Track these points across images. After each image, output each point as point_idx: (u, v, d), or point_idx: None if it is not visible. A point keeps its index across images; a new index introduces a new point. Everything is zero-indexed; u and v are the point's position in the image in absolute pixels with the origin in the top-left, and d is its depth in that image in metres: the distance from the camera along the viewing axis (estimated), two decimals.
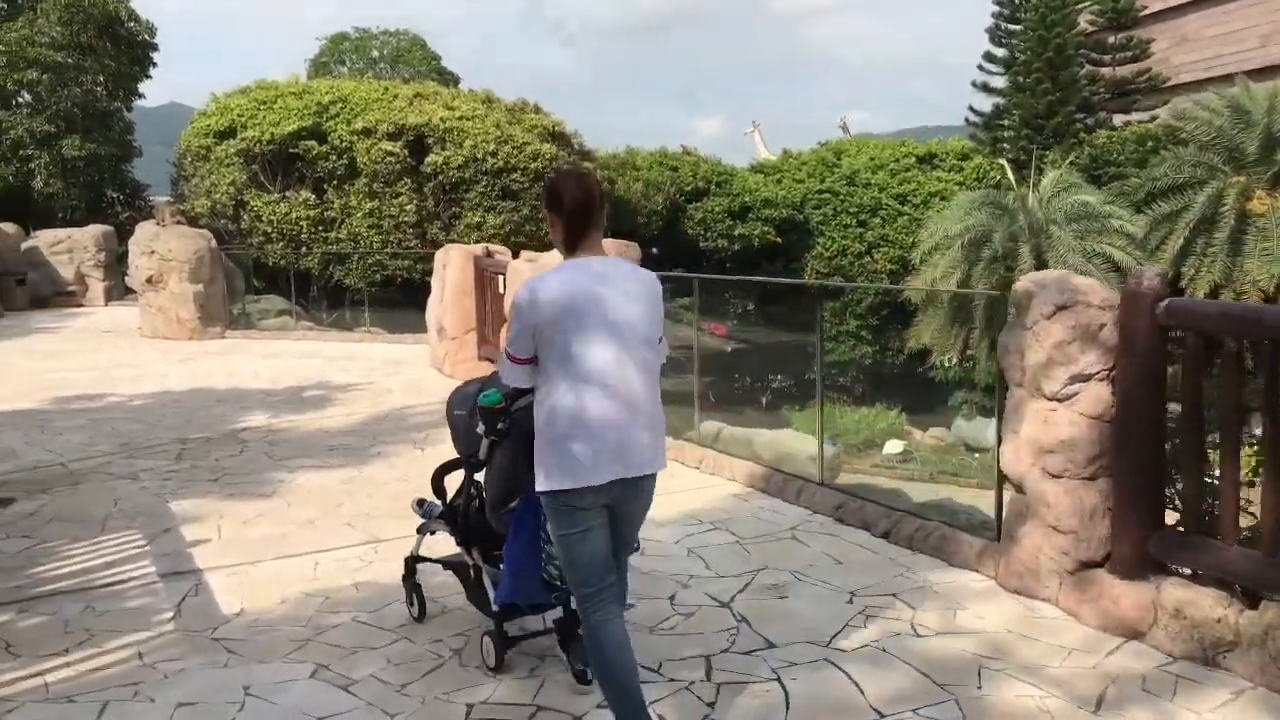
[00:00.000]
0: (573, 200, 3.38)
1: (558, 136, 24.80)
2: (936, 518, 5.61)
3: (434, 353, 12.61)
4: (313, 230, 22.82)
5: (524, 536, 3.87)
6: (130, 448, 8.68)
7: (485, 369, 10.98)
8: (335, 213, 23.08)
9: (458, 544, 4.41)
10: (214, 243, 16.75)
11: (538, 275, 3.42)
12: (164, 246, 16.19)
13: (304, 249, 22.70)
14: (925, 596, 4.93)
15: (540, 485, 3.37)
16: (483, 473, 4.14)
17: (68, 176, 27.51)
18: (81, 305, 22.60)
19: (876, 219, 26.78)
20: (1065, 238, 22.51)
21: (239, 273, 18.86)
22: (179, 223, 19.70)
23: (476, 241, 23.26)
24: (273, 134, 22.98)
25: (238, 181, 22.96)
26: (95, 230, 23.38)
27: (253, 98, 24.23)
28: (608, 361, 3.29)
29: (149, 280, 16.26)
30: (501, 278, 10.37)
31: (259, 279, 21.78)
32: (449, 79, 38.59)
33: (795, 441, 7.01)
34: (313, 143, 22.97)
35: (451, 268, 11.71)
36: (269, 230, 22.52)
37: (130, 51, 29.21)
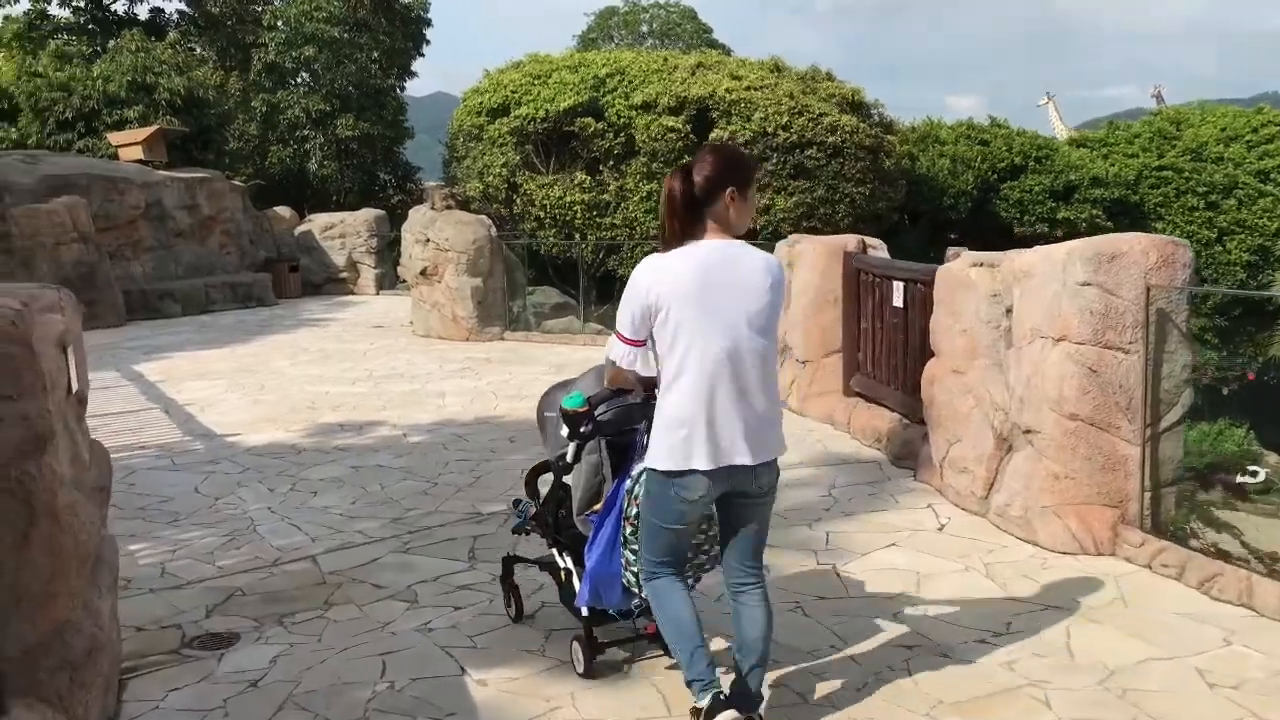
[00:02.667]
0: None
1: (857, 106, 21.35)
2: None
3: None
4: (587, 215, 20.40)
5: (603, 543, 3.63)
6: (404, 527, 5.93)
7: (856, 408, 7.75)
8: (610, 196, 20.53)
9: (548, 546, 4.18)
10: (494, 230, 14.25)
11: (654, 255, 3.27)
12: (440, 234, 13.80)
13: (578, 235, 20.29)
14: None
15: (648, 462, 3.30)
16: (570, 475, 3.90)
17: (341, 158, 26.10)
18: (352, 293, 20.89)
19: (1230, 201, 21.85)
20: None
21: (518, 264, 16.35)
22: (449, 207, 17.48)
23: (763, 228, 20.19)
24: (547, 110, 20.64)
25: (511, 162, 20.76)
26: (367, 215, 21.65)
27: (526, 72, 21.95)
28: (723, 349, 3.15)
29: (423, 272, 13.92)
30: (896, 285, 7.08)
31: (530, 269, 19.50)
32: (722, 53, 35.49)
33: None
34: (589, 119, 20.48)
35: (804, 266, 8.50)
36: (541, 215, 20.29)
37: (405, 27, 27.50)
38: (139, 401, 9.93)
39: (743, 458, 3.19)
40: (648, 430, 3.41)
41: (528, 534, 4.37)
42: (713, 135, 20.02)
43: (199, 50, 26.37)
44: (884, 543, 5.41)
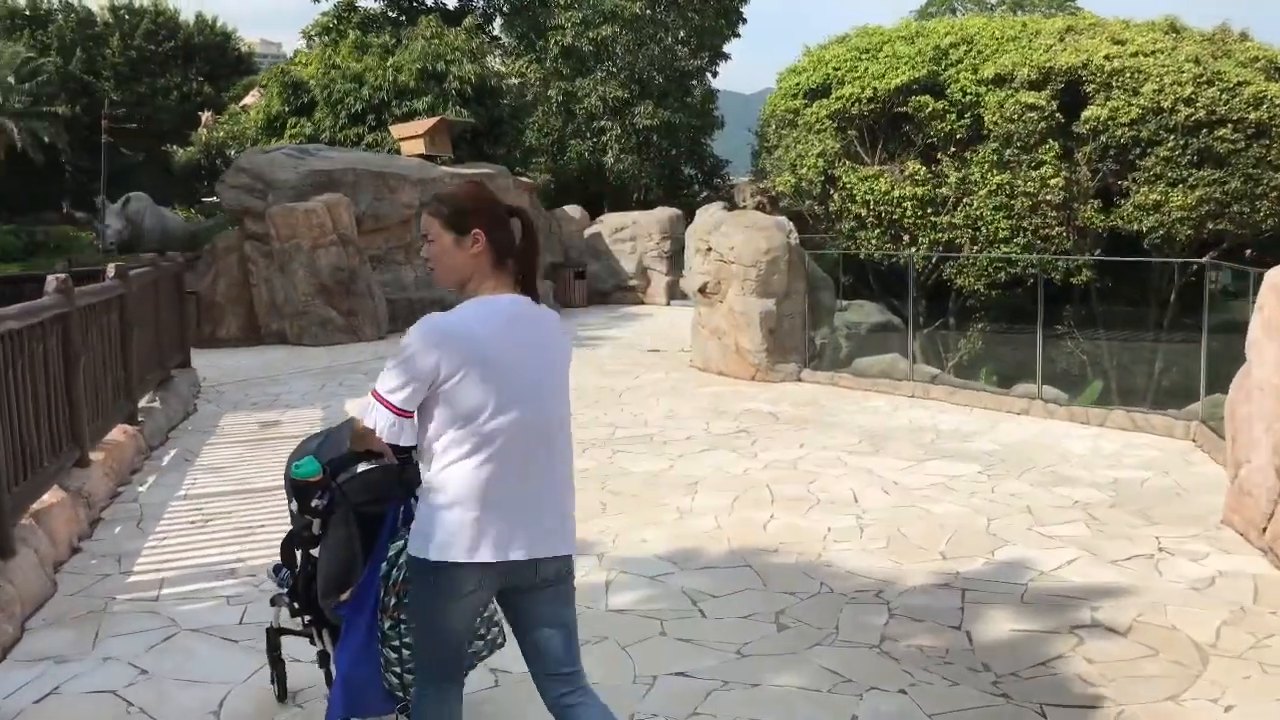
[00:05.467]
0: (526, 228, 2.70)
1: None
2: None
3: (1237, 495, 5.45)
4: (919, 213, 16.75)
5: (356, 640, 3.01)
6: None
7: None
8: (949, 189, 16.75)
9: (304, 625, 3.50)
10: (794, 237, 10.80)
11: (440, 314, 2.64)
12: (723, 242, 10.54)
13: (907, 238, 16.63)
14: None
15: (415, 550, 2.61)
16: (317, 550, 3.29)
17: (641, 150, 23.48)
18: (641, 302, 18.22)
19: None
20: None
21: (826, 282, 12.73)
22: (760, 205, 14.26)
23: (1151, 230, 15.53)
24: (875, 89, 17.16)
25: (829, 151, 17.36)
26: (660, 215, 18.91)
27: (852, 46, 18.50)
28: (515, 421, 2.59)
29: (703, 289, 10.76)
30: None
31: (847, 275, 16.09)
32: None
33: None
34: (925, 98, 16.82)
35: None
36: (863, 213, 16.86)
37: (718, 3, 24.39)
38: None
39: (530, 550, 2.59)
40: (403, 503, 2.94)
41: (288, 605, 3.57)
42: (1086, 113, 15.74)
43: (504, 39, 24.66)
44: None
